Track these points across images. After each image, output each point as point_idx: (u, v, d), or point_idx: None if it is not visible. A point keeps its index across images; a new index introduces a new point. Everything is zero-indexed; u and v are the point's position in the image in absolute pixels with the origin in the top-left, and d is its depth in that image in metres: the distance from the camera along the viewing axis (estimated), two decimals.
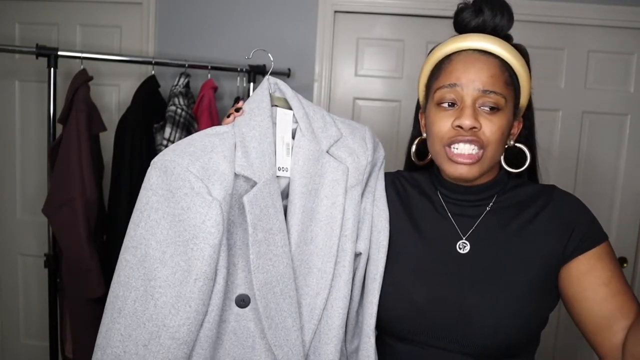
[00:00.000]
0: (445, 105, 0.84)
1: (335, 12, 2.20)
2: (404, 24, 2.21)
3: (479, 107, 0.82)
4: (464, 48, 0.85)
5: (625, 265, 2.20)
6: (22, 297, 2.40)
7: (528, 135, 0.93)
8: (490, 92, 0.81)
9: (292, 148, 0.85)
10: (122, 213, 1.79)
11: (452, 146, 0.82)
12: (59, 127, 1.77)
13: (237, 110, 0.84)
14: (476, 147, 0.81)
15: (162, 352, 0.71)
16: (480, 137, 0.81)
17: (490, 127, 0.81)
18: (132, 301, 0.73)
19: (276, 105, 0.87)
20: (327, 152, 0.86)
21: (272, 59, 0.95)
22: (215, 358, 0.80)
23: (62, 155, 1.71)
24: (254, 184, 0.78)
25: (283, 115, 0.86)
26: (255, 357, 0.81)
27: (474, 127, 0.80)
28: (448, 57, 0.86)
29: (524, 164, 0.89)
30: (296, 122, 0.86)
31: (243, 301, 0.79)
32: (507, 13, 0.85)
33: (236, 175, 0.77)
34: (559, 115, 2.19)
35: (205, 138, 0.79)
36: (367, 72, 2.25)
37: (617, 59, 2.17)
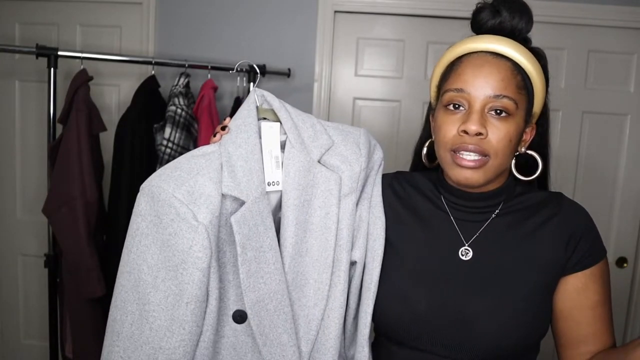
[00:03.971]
0: (452, 107, 0.81)
1: (335, 12, 2.20)
2: (404, 24, 2.21)
3: (488, 112, 0.79)
4: (475, 50, 0.82)
5: (625, 265, 2.20)
6: (22, 297, 2.40)
7: (540, 143, 0.90)
8: (502, 96, 0.78)
9: (281, 161, 0.84)
10: (122, 213, 1.79)
11: (457, 152, 0.80)
12: (59, 127, 1.76)
13: (224, 128, 0.82)
14: (479, 155, 0.79)
15: None
16: (484, 147, 0.78)
17: (497, 135, 0.78)
18: (129, 325, 0.75)
19: (265, 118, 0.85)
20: (319, 161, 0.84)
21: (258, 71, 0.93)
22: None
23: (62, 155, 1.70)
24: (243, 203, 0.77)
25: (268, 129, 0.84)
26: None
27: (480, 134, 0.77)
28: (459, 59, 0.84)
29: (534, 172, 0.87)
30: (285, 133, 0.84)
31: (240, 317, 0.79)
32: (527, 15, 0.83)
33: (224, 196, 0.76)
34: (559, 115, 2.19)
35: (191, 160, 0.79)
36: (367, 72, 2.25)
37: (617, 59, 2.16)
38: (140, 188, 0.77)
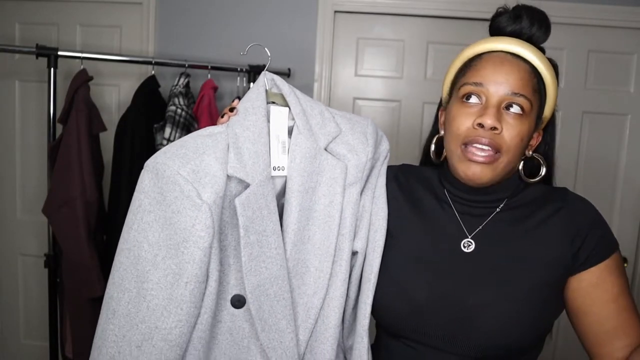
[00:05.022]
0: (469, 100, 0.82)
1: (335, 12, 2.20)
2: (404, 24, 2.21)
3: (504, 109, 0.80)
4: (497, 49, 0.84)
5: (625, 265, 2.20)
6: (22, 297, 2.40)
7: (547, 151, 0.91)
8: (519, 95, 0.80)
9: (288, 146, 0.83)
10: (122, 213, 1.78)
11: (469, 146, 0.80)
12: (59, 127, 1.76)
13: (232, 109, 0.82)
14: (492, 150, 0.79)
15: (155, 354, 0.72)
16: (498, 142, 0.79)
17: (510, 132, 0.79)
18: (126, 303, 0.73)
19: (273, 102, 0.84)
20: (325, 149, 0.84)
21: (269, 54, 0.93)
22: (211, 358, 0.80)
23: (62, 155, 1.71)
24: (247, 185, 0.76)
25: (277, 113, 0.84)
26: (251, 358, 0.80)
27: (495, 128, 0.78)
28: (479, 56, 0.85)
29: (537, 176, 0.88)
30: (293, 119, 0.84)
31: (239, 301, 0.78)
32: (545, 25, 0.85)
33: (229, 177, 0.75)
34: (559, 115, 2.19)
35: (198, 139, 0.78)
36: (367, 72, 2.25)
37: (617, 59, 2.17)
38: (145, 165, 0.76)
